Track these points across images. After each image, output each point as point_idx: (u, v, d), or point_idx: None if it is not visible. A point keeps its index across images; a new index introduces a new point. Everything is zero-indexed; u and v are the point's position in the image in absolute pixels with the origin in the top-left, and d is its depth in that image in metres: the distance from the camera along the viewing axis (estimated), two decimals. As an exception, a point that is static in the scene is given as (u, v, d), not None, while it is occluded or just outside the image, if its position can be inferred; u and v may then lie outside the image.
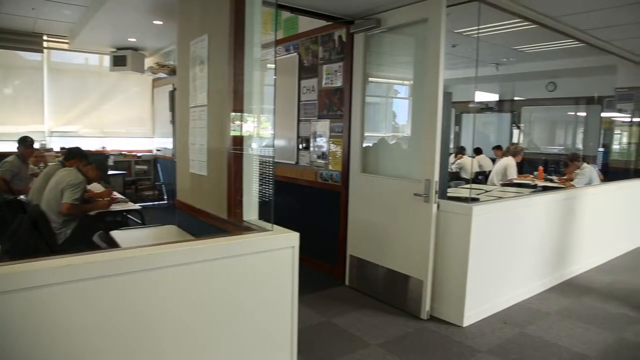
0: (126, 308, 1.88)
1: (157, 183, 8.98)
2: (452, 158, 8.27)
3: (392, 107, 4.71)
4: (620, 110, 8.36)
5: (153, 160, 9.07)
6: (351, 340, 3.29)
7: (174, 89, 7.33)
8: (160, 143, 8.96)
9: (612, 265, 5.34)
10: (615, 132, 8.75)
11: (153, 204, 8.35)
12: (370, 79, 4.24)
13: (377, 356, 3.07)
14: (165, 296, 1.99)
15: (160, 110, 8.79)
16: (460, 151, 8.57)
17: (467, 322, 3.58)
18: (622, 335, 3.52)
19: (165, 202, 8.54)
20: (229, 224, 2.70)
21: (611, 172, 7.42)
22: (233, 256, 2.20)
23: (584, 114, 8.85)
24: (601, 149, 8.40)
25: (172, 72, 7.55)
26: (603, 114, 8.35)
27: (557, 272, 4.66)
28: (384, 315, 3.74)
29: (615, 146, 8.68)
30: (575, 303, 4.13)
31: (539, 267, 4.35)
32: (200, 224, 3.12)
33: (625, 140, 8.69)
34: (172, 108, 7.83)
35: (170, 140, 8.19)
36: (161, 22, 5.94)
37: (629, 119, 8.47)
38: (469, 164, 7.90)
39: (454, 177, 7.49)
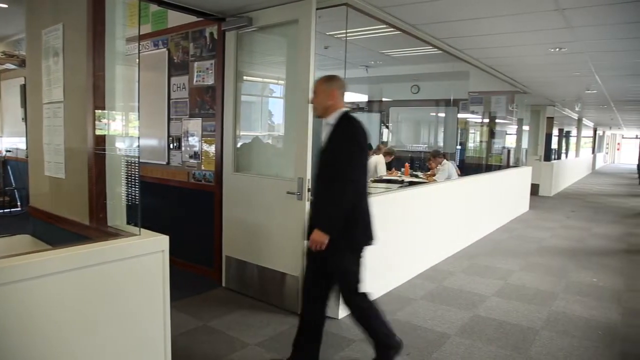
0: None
1: (7, 188, 7.98)
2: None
3: (267, 106, 4.71)
4: (473, 112, 9.35)
5: (2, 162, 8.04)
6: (229, 342, 3.23)
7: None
8: (10, 143, 7.96)
9: (469, 251, 5.95)
10: (470, 131, 9.76)
11: (3, 212, 7.41)
12: (244, 77, 4.21)
13: (255, 356, 3.06)
14: (16, 316, 1.76)
15: (9, 105, 7.80)
16: None
17: (342, 314, 3.71)
18: (475, 312, 3.93)
19: (19, 209, 7.63)
20: (92, 230, 2.49)
21: (467, 168, 8.25)
22: (95, 264, 2.02)
23: (443, 114, 9.69)
24: (458, 147, 9.30)
25: (23, 63, 6.75)
26: (459, 115, 9.23)
27: (423, 259, 5.05)
28: (262, 314, 3.74)
29: (470, 144, 9.68)
30: (438, 287, 4.51)
31: (406, 256, 4.68)
32: (59, 232, 2.83)
33: (477, 138, 9.74)
34: (25, 104, 7.00)
35: (24, 139, 7.32)
36: (6, 6, 5.28)
37: (480, 120, 9.51)
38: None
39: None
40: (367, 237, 2.79)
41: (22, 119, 7.19)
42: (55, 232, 2.88)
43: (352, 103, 9.97)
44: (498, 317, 3.83)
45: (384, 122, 10.37)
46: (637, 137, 26.75)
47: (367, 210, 2.78)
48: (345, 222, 2.65)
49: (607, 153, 34.02)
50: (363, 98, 10.15)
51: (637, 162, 20.87)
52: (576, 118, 16.59)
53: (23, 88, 6.99)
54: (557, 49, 5.33)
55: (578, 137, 18.41)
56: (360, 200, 2.73)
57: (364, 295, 2.84)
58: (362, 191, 2.73)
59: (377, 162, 7.18)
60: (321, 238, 2.62)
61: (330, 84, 2.77)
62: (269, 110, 4.75)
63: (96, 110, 2.41)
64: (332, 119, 2.72)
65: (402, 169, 7.67)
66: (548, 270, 5.26)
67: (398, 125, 10.53)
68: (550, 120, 12.56)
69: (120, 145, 2.55)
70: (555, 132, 13.39)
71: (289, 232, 3.73)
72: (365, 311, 2.83)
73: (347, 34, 4.10)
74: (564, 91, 9.66)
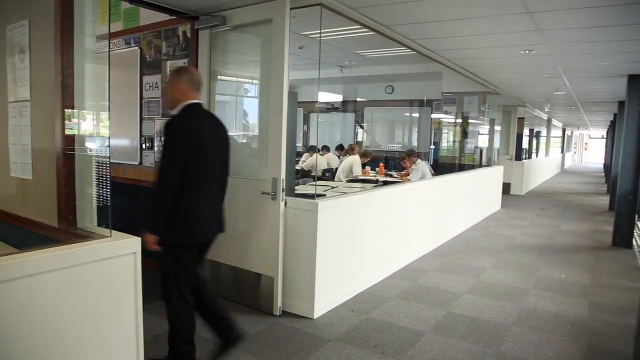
0: None
1: (-28, 190, 7.70)
2: (319, 156, 8.52)
3: (241, 106, 4.68)
4: (446, 112, 9.46)
5: (-33, 164, 7.75)
6: (203, 344, 3.18)
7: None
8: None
9: (443, 250, 6.03)
10: (444, 131, 9.88)
11: (-32, 215, 7.16)
12: (218, 77, 4.17)
13: (230, 357, 3.03)
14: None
15: (-26, 105, 7.55)
16: (324, 149, 8.91)
17: (317, 313, 3.72)
18: (449, 310, 3.98)
19: (-15, 211, 7.37)
20: (61, 232, 2.43)
21: (440, 167, 8.35)
22: (65, 267, 1.98)
23: (417, 114, 9.78)
24: (432, 147, 9.40)
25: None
26: (433, 115, 9.33)
27: (397, 258, 5.10)
28: (237, 315, 3.69)
29: (444, 144, 9.81)
30: (412, 286, 4.56)
31: (381, 255, 4.71)
32: (26, 235, 2.75)
33: (451, 138, 9.87)
34: (-10, 103, 6.77)
35: (-11, 140, 7.08)
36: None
37: (453, 120, 9.64)
38: (336, 161, 8.28)
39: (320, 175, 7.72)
40: (196, 234, 2.72)
41: (-13, 118, 6.96)
42: (23, 235, 2.80)
43: (327, 103, 10.00)
44: (471, 314, 3.90)
45: (359, 122, 10.41)
46: (603, 137, 27.58)
47: (202, 208, 2.70)
48: (173, 219, 2.60)
49: (575, 152, 35.00)
50: (338, 98, 10.18)
51: (603, 162, 21.49)
52: (546, 118, 17.00)
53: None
54: (527, 51, 5.45)
55: (548, 137, 18.86)
56: (195, 198, 2.64)
57: (186, 299, 2.75)
58: (194, 188, 2.63)
59: (352, 162, 7.20)
60: (148, 239, 2.54)
61: (178, 77, 2.70)
62: (244, 110, 4.71)
63: (65, 110, 2.35)
64: (175, 111, 2.66)
65: (377, 169, 7.71)
66: (519, 267, 5.37)
67: (373, 125, 10.59)
68: (521, 121, 12.83)
69: (91, 145, 2.49)
70: (525, 132, 13.68)
71: (263, 232, 3.72)
72: (180, 317, 2.75)
73: (322, 34, 4.10)
74: (534, 92, 9.89)
